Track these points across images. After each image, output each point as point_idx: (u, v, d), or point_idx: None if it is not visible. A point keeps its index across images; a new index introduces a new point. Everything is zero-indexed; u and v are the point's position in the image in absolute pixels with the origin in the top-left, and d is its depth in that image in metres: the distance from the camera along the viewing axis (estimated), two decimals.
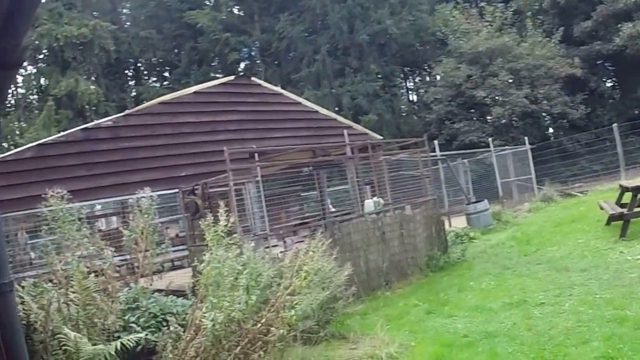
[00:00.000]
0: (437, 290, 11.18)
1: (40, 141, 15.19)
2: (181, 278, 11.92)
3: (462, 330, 8.35)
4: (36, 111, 41.70)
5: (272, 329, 6.91)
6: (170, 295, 9.26)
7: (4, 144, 39.45)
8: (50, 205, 7.64)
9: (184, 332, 6.95)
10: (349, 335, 8.62)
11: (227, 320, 6.38)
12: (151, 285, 8.86)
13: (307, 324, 7.66)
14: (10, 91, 44.66)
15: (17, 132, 41.49)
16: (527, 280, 10.62)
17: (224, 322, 6.35)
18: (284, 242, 14.96)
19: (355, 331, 8.67)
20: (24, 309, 7.16)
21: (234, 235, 8.06)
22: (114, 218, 17.78)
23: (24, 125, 41.83)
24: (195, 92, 16.90)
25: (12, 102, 44.97)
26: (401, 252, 12.86)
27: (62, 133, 16.41)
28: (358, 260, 11.83)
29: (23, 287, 8.04)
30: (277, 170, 16.54)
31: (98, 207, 14.64)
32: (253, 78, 19.19)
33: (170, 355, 6.57)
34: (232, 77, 18.78)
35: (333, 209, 19.71)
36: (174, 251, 14.96)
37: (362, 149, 16.58)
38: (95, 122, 17.60)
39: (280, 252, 13.56)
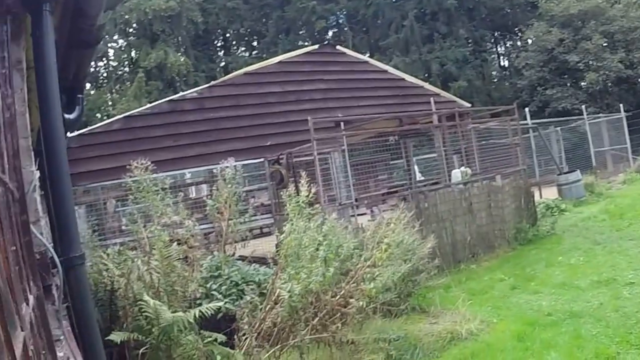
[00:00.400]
0: (523, 264, 10.84)
1: (127, 113, 15.51)
2: (267, 245, 11.99)
3: (547, 308, 8.06)
4: (127, 83, 42.72)
5: (351, 300, 6.80)
6: (253, 264, 9.30)
7: (97, 115, 40.77)
8: (135, 176, 7.72)
9: (262, 302, 6.92)
10: (429, 309, 8.46)
11: (304, 292, 6.30)
12: (234, 253, 8.89)
13: (388, 297, 7.51)
14: (102, 64, 46.11)
15: (110, 104, 42.65)
16: (618, 257, 10.15)
17: (301, 294, 6.27)
18: (371, 211, 14.85)
19: (437, 305, 8.50)
20: (108, 276, 7.30)
21: (317, 205, 7.99)
22: (204, 186, 18.04)
23: (116, 96, 42.97)
24: (279, 62, 16.87)
25: (105, 75, 46.36)
26: (488, 224, 12.55)
27: (148, 105, 16.74)
28: (444, 231, 11.63)
29: (108, 255, 8.24)
30: (362, 139, 16.33)
31: (188, 175, 14.81)
32: (338, 46, 18.94)
33: (246, 327, 6.53)
34: (316, 46, 18.64)
35: (422, 177, 19.45)
36: (261, 219, 15.11)
37: (449, 117, 16.23)
38: (181, 94, 17.80)
39: (369, 220, 13.49)
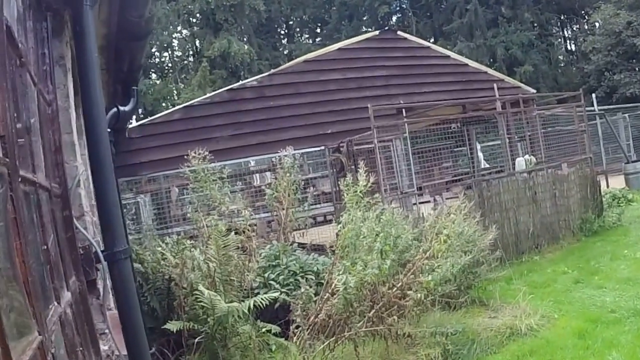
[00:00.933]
0: (588, 257, 10.44)
1: (188, 103, 15.61)
2: (328, 233, 11.93)
3: (610, 304, 7.71)
4: (192, 72, 43.14)
5: (409, 292, 6.67)
6: (313, 252, 9.25)
7: (163, 104, 41.40)
8: (192, 166, 7.73)
9: (317, 293, 6.86)
10: (489, 302, 8.24)
11: (360, 284, 6.19)
12: (292, 243, 8.84)
13: (447, 289, 7.34)
14: (167, 54, 46.74)
15: (175, 94, 43.22)
16: None
17: (356, 286, 6.16)
18: (434, 199, 14.64)
19: (497, 298, 8.26)
20: (165, 265, 7.34)
21: (376, 195, 7.87)
22: (268, 173, 18.09)
23: (182, 86, 43.51)
24: (339, 49, 16.69)
25: (170, 65, 46.98)
26: (553, 214, 12.15)
27: (208, 95, 16.78)
28: (507, 221, 11.34)
29: (166, 244, 8.31)
30: (425, 126, 16.10)
31: (252, 163, 14.82)
32: (399, 32, 18.63)
33: (299, 320, 6.48)
34: (377, 32, 18.39)
35: (486, 165, 19.10)
36: (323, 207, 15.09)
37: (514, 104, 15.86)
38: (240, 82, 17.86)
39: (432, 208, 13.31)
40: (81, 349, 2.78)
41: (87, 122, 3.43)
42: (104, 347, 3.45)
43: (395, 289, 6.68)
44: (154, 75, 47.71)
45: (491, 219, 10.95)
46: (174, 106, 36.34)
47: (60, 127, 3.23)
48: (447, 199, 14.79)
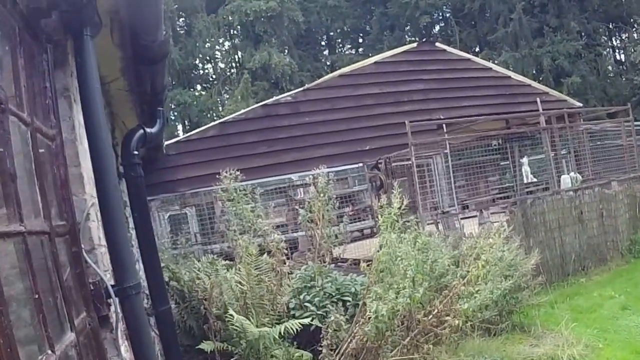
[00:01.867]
0: (637, 280, 10.03)
1: (222, 120, 15.58)
2: (371, 247, 11.71)
3: None
4: (235, 84, 43.40)
5: (447, 318, 6.43)
6: (351, 274, 9.05)
7: (207, 116, 41.78)
8: (224, 185, 7.60)
9: (348, 320, 6.66)
10: (531, 329, 7.96)
11: (391, 313, 5.97)
12: (329, 263, 8.65)
13: (487, 314, 7.09)
14: (211, 66, 47.15)
15: (219, 105, 43.56)
16: None
17: (388, 315, 5.94)
18: (481, 211, 14.34)
19: (539, 325, 7.97)
20: (199, 284, 7.23)
21: (411, 217, 7.65)
22: (312, 188, 17.92)
23: (226, 97, 43.82)
24: (376, 63, 16.47)
25: (214, 76, 47.37)
26: (600, 235, 11.76)
27: (243, 110, 16.70)
28: (552, 242, 10.99)
29: (202, 264, 8.24)
30: (465, 141, 15.79)
31: (295, 177, 14.66)
32: (437, 43, 18.32)
33: (324, 350, 6.28)
34: (414, 45, 18.14)
35: (534, 179, 18.72)
36: (360, 223, 14.94)
37: (559, 118, 15.49)
38: (275, 98, 17.76)
39: (479, 224, 13.02)
40: None
41: (91, 155, 3.31)
42: None
43: (431, 316, 6.45)
44: (198, 87, 48.13)
45: (535, 239, 10.66)
46: (219, 118, 36.89)
47: (66, 161, 3.12)
48: (492, 213, 14.52)
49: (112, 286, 3.29)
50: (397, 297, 5.98)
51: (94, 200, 3.35)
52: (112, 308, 3.34)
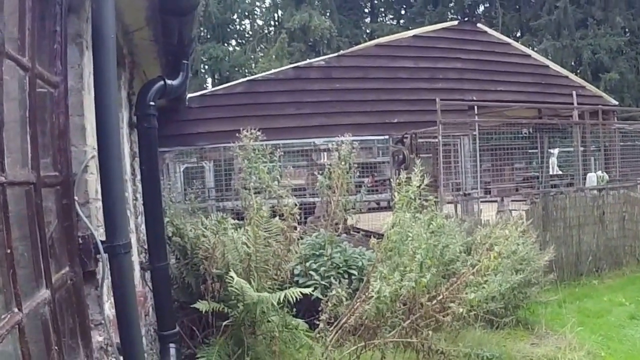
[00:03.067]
0: None
1: (251, 77, 15.43)
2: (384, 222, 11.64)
3: None
4: (271, 43, 43.18)
5: (451, 305, 6.29)
6: (360, 247, 8.97)
7: (239, 72, 41.67)
8: (243, 143, 7.47)
9: (350, 296, 6.55)
10: (535, 327, 7.83)
11: (394, 295, 5.83)
12: (338, 232, 8.54)
13: (492, 306, 6.94)
14: (248, 22, 46.94)
15: (253, 62, 43.40)
16: None
17: (391, 297, 5.81)
18: (502, 199, 14.17)
19: (543, 324, 7.82)
20: (204, 242, 7.16)
21: (431, 197, 7.49)
22: (335, 154, 17.82)
23: (261, 55, 43.63)
24: (414, 36, 16.15)
25: (250, 33, 47.17)
26: (619, 238, 11.53)
27: (273, 70, 16.52)
28: (569, 239, 10.83)
29: (210, 221, 8.16)
30: (494, 125, 15.53)
31: (319, 142, 14.53)
32: (479, 24, 17.85)
33: (321, 325, 6.19)
34: (455, 22, 17.76)
35: (559, 172, 18.46)
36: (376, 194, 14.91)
37: (593, 114, 15.16)
38: (308, 61, 17.55)
39: (497, 211, 12.86)
40: (56, 348, 2.61)
41: (96, 105, 3.21)
42: (99, 339, 3.30)
43: (435, 301, 6.31)
44: (233, 42, 47.98)
45: (553, 234, 10.50)
46: (250, 75, 36.79)
47: (68, 110, 3.01)
48: (513, 201, 14.34)
49: (102, 242, 3.19)
50: (402, 280, 5.84)
51: (95, 152, 3.24)
52: (100, 264, 3.25)
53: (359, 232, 10.53)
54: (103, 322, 3.31)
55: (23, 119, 2.47)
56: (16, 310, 2.14)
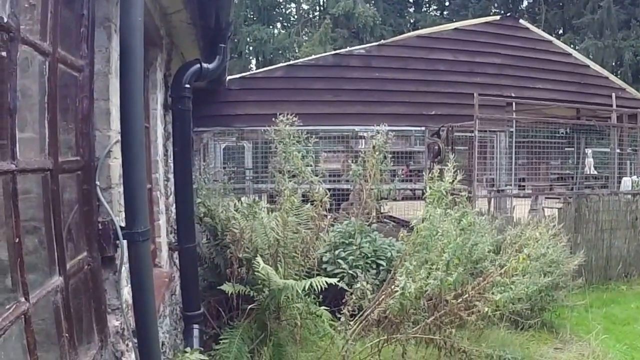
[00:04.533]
0: None
1: (291, 62, 15.38)
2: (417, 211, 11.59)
3: None
4: (316, 27, 43.16)
5: (477, 303, 6.26)
6: (390, 238, 8.96)
7: (282, 54, 41.76)
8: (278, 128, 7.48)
9: (374, 290, 6.55)
10: (560, 331, 7.74)
11: (419, 293, 5.81)
12: (369, 222, 8.53)
13: (518, 307, 6.89)
14: (294, 6, 46.96)
15: (296, 46, 43.43)
16: None
17: (415, 294, 5.79)
18: (536, 197, 14.06)
19: (568, 329, 7.73)
20: (234, 225, 7.19)
21: (463, 193, 7.45)
22: (371, 141, 17.79)
23: (305, 39, 43.63)
24: (456, 29, 15.89)
25: (295, 16, 47.21)
26: None
27: (313, 56, 16.48)
28: (600, 242, 10.68)
29: (241, 203, 8.20)
30: (530, 122, 15.34)
31: (357, 129, 14.47)
32: (521, 20, 17.54)
33: (342, 319, 6.19)
34: (497, 17, 17.51)
35: (594, 172, 18.21)
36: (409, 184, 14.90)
37: (632, 117, 14.91)
38: (348, 49, 17.45)
39: (530, 210, 12.76)
40: (67, 335, 2.60)
41: (121, 88, 3.18)
42: (115, 323, 3.33)
43: (460, 299, 6.28)
44: (278, 25, 48.05)
45: (584, 236, 10.37)
46: (294, 58, 36.89)
47: (93, 94, 2.99)
48: (547, 198, 14.20)
49: (122, 228, 3.20)
50: (428, 277, 5.82)
51: (120, 137, 3.24)
52: (119, 250, 3.26)
53: (391, 221, 10.48)
54: (120, 307, 3.33)
55: (42, 104, 2.45)
56: (23, 299, 2.14)
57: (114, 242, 3.18)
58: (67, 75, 2.71)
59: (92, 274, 3.01)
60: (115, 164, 3.29)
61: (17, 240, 2.06)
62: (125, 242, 3.20)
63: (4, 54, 1.98)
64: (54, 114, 2.50)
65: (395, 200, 9.44)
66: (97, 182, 3.11)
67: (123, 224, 3.22)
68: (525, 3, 47.39)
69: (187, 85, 5.46)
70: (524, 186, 14.82)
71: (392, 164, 8.60)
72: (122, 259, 3.27)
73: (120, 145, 3.19)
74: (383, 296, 6.34)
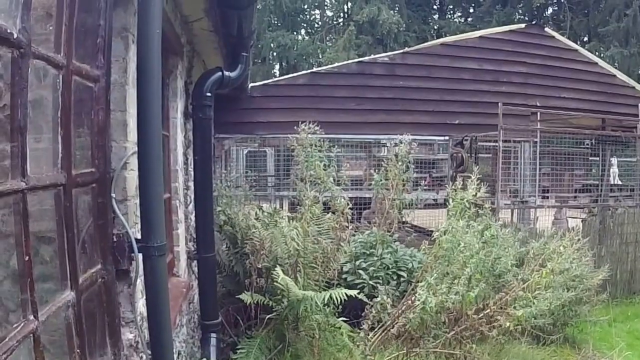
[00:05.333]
0: None
1: (314, 70, 15.35)
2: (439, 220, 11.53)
3: None
4: (340, 34, 43.30)
5: (499, 318, 6.18)
6: (412, 248, 8.88)
7: (306, 60, 41.94)
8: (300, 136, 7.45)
9: (395, 303, 6.49)
10: (582, 346, 7.61)
11: (440, 307, 5.74)
12: (390, 232, 8.47)
13: (540, 322, 6.78)
14: (318, 12, 47.15)
15: (320, 52, 43.60)
16: None
17: (436, 308, 5.72)
18: (559, 209, 13.91)
19: (592, 345, 7.60)
20: (254, 234, 7.17)
21: (487, 205, 7.38)
22: (394, 149, 17.74)
23: (329, 45, 43.78)
24: (480, 37, 15.74)
25: (319, 23, 47.43)
26: None
27: (336, 64, 16.42)
28: (624, 255, 10.53)
29: (262, 212, 8.18)
30: (555, 132, 15.19)
31: (381, 137, 14.41)
32: (547, 29, 17.37)
33: (362, 334, 6.12)
34: (522, 25, 17.30)
35: (619, 182, 18.01)
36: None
37: None
38: (372, 56, 17.39)
39: (553, 220, 12.62)
40: (78, 351, 2.56)
41: (138, 98, 3.11)
42: (129, 336, 3.29)
43: (482, 314, 6.20)
44: (302, 32, 48.22)
45: (608, 249, 10.22)
46: (317, 64, 36.94)
47: (109, 105, 2.94)
48: (571, 207, 14.05)
49: (137, 240, 3.14)
50: (449, 292, 5.75)
51: (137, 149, 3.19)
52: (134, 263, 3.21)
53: (413, 230, 10.42)
54: (134, 319, 3.29)
55: (55, 118, 2.42)
56: (31, 317, 2.09)
57: (129, 255, 3.13)
58: (82, 87, 2.67)
59: (106, 287, 2.97)
60: (132, 176, 3.25)
61: (27, 258, 2.03)
62: (140, 255, 3.15)
63: (14, 71, 1.94)
64: (67, 128, 2.47)
65: (417, 208, 9.36)
66: (113, 194, 3.07)
67: (139, 236, 3.17)
68: (550, 10, 47.05)
69: (209, 94, 5.44)
70: (547, 196, 14.65)
71: (414, 172, 8.55)
72: (137, 272, 3.22)
73: (137, 157, 3.15)
74: (403, 307, 6.27)
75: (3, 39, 1.86)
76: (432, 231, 8.54)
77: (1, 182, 1.91)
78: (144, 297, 3.38)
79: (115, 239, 3.09)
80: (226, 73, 5.65)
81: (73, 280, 2.54)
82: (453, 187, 7.15)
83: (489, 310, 6.20)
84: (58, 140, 2.42)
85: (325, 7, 48.74)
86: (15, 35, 1.92)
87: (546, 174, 14.52)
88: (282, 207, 12.65)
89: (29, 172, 2.08)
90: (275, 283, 6.29)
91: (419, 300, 5.77)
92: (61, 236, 2.46)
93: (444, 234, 6.54)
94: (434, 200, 15.22)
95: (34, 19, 2.11)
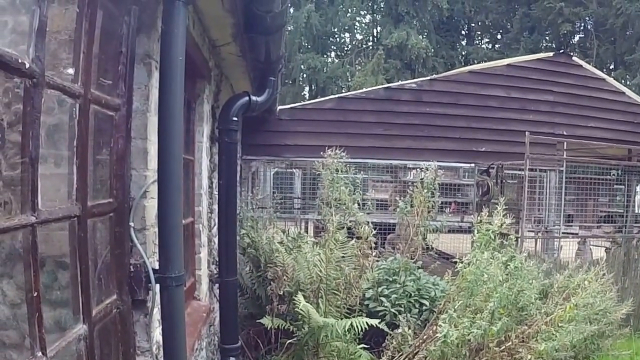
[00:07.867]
0: None
1: (341, 95, 15.37)
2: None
3: None
4: (369, 57, 43.58)
5: (520, 351, 6.12)
6: (435, 277, 8.82)
7: (335, 83, 42.29)
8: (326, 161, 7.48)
9: (416, 333, 6.45)
10: None
11: (461, 341, 5.69)
12: (414, 260, 8.43)
13: (562, 355, 6.69)
14: (348, 36, 47.59)
15: (349, 75, 43.89)
16: None
17: (458, 342, 5.67)
18: (584, 241, 13.80)
19: None
20: (277, 258, 7.18)
21: (511, 236, 7.33)
22: (424, 173, 17.71)
23: (358, 68, 44.07)
24: (508, 65, 15.72)
25: (349, 46, 47.88)
26: None
27: (364, 89, 16.52)
28: None
29: (286, 236, 8.19)
30: (582, 161, 15.08)
31: (407, 162, 14.41)
32: (574, 58, 17.18)
33: None
34: (550, 54, 17.12)
35: None
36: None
37: None
38: (399, 83, 17.43)
39: (577, 250, 12.51)
40: None
41: (159, 127, 3.11)
42: None
43: (503, 347, 6.14)
44: (332, 54, 48.62)
45: (632, 280, 10.07)
46: (346, 87, 37.41)
47: (130, 133, 2.95)
48: (594, 236, 13.90)
49: (154, 271, 3.13)
50: (471, 326, 5.70)
51: (154, 178, 3.18)
52: (151, 293, 3.20)
53: (437, 255, 10.36)
54: (150, 349, 3.26)
55: (70, 148, 2.39)
56: (39, 354, 2.04)
57: (145, 285, 3.12)
58: (101, 115, 2.67)
59: (121, 317, 2.96)
60: (152, 204, 3.24)
61: (35, 294, 1.98)
62: (157, 285, 3.14)
63: (26, 101, 1.92)
64: (83, 158, 2.45)
65: (441, 232, 9.33)
66: (132, 223, 3.07)
67: (156, 266, 3.17)
68: (576, 38, 46.93)
69: (235, 118, 5.47)
70: (570, 224, 14.53)
71: (439, 197, 8.53)
72: (154, 302, 3.20)
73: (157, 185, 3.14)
74: (425, 337, 6.23)
75: (14, 69, 1.83)
76: (455, 257, 8.49)
77: (9, 217, 1.87)
78: (161, 326, 3.36)
79: (132, 269, 3.08)
80: (253, 98, 5.68)
81: (86, 312, 2.51)
82: (479, 217, 7.12)
83: (510, 343, 6.13)
84: (73, 170, 2.40)
85: (355, 31, 49.13)
86: (27, 65, 1.89)
87: (570, 200, 14.41)
88: (307, 230, 12.66)
89: (40, 205, 2.04)
90: (296, 309, 6.30)
91: (440, 333, 5.72)
92: (74, 268, 2.44)
93: (468, 265, 6.50)
94: (459, 225, 15.16)
95: (49, 46, 2.08)
